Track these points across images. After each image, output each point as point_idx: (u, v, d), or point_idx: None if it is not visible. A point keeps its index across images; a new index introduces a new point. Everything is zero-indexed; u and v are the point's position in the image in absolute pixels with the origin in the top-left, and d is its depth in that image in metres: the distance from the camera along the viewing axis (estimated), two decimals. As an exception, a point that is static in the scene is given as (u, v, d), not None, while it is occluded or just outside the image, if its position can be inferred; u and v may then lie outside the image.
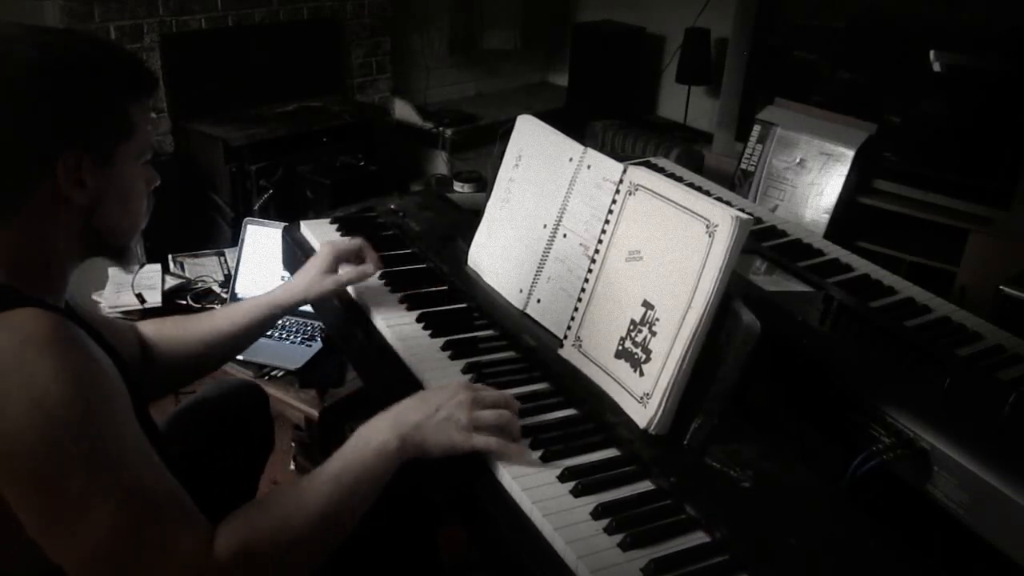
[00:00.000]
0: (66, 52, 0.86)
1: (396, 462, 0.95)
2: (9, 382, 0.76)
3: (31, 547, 0.79)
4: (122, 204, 0.93)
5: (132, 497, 0.79)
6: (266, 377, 1.88)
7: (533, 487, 0.95)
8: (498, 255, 1.40)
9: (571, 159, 1.30)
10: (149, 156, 0.96)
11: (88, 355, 0.82)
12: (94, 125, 0.87)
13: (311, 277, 1.31)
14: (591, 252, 1.20)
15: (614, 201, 1.18)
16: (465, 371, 1.17)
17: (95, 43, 0.92)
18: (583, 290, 1.20)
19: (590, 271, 1.19)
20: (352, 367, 1.80)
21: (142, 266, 2.41)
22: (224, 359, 1.36)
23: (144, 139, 0.94)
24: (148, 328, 1.27)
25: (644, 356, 1.07)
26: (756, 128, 2.49)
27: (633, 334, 1.09)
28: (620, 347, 1.11)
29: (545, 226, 1.32)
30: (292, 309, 1.35)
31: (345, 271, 1.32)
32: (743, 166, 2.49)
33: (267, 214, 2.97)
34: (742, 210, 1.03)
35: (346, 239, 1.39)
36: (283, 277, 2.10)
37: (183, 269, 2.45)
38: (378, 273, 1.40)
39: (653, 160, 2.23)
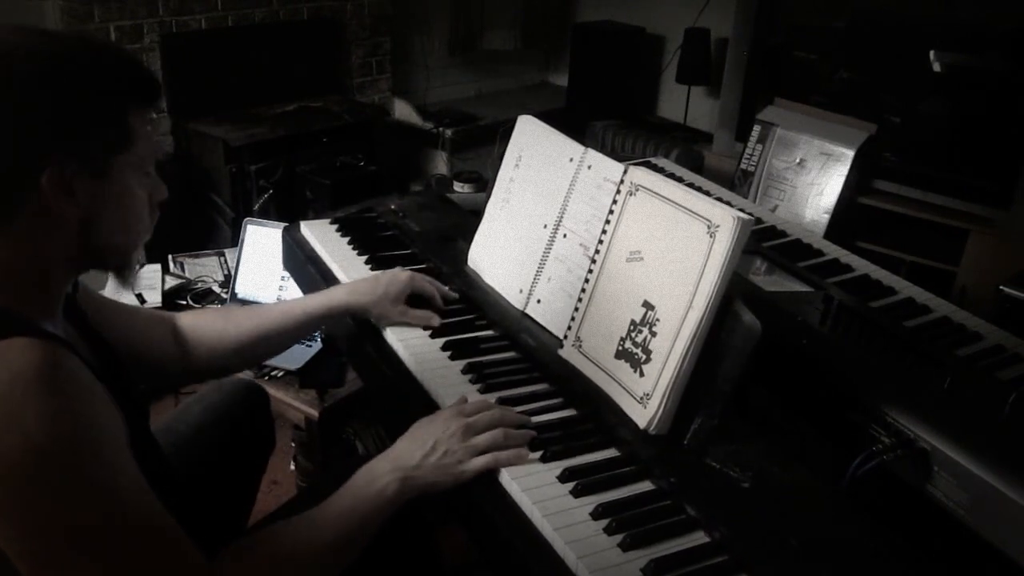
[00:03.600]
0: (58, 56, 0.81)
1: (396, 505, 0.96)
2: None
3: None
4: (120, 218, 0.87)
5: (126, 538, 0.77)
6: (266, 377, 1.88)
7: (533, 487, 0.95)
8: (498, 255, 1.40)
9: (571, 159, 1.30)
10: (151, 167, 0.90)
11: (80, 389, 0.78)
12: (86, 134, 0.81)
13: (379, 297, 1.27)
14: (591, 252, 1.20)
15: (615, 201, 1.18)
16: (465, 372, 1.17)
17: (93, 47, 0.86)
18: (583, 290, 1.20)
19: (590, 271, 1.19)
20: (352, 368, 1.80)
21: (142, 266, 2.40)
22: (268, 354, 1.29)
23: (145, 149, 0.87)
24: (187, 320, 1.24)
25: (644, 356, 1.07)
26: (756, 128, 2.49)
27: (633, 334, 1.09)
28: (620, 347, 1.11)
29: (545, 226, 1.32)
30: (345, 315, 1.29)
31: (412, 311, 1.28)
32: (743, 166, 2.49)
33: (267, 214, 2.97)
34: (742, 210, 1.03)
35: (428, 279, 1.33)
36: (283, 277, 2.10)
37: (183, 269, 2.45)
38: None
39: (653, 160, 2.23)
